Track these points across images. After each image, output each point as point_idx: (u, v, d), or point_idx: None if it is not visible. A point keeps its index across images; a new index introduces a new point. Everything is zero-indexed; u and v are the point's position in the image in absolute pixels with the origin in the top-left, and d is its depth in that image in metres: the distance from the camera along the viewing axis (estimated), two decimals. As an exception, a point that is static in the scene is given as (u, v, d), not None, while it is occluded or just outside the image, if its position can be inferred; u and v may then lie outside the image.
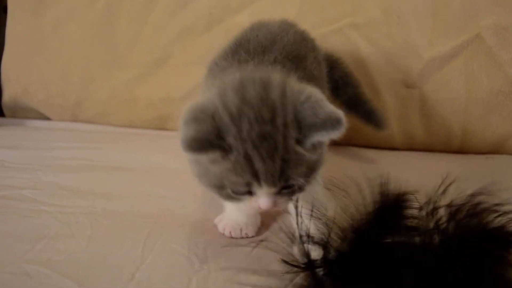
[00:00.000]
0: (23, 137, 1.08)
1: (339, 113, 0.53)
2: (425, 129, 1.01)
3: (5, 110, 1.19)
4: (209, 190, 0.60)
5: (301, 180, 0.56)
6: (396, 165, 0.94)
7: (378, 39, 1.00)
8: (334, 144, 1.02)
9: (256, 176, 0.54)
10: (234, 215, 0.71)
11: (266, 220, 0.74)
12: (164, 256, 0.66)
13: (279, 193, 0.57)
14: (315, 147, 0.56)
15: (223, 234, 0.71)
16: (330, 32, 1.01)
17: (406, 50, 0.99)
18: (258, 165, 0.53)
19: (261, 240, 0.69)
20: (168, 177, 0.89)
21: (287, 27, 0.77)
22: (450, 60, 0.98)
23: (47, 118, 1.18)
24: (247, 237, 0.71)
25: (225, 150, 0.53)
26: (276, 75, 0.57)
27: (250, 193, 0.57)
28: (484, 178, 0.83)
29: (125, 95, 1.10)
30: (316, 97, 0.55)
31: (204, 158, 0.55)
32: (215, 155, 0.54)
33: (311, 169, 0.57)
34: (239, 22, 1.02)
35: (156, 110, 1.07)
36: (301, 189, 0.58)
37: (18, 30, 1.15)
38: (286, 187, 0.57)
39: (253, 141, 0.53)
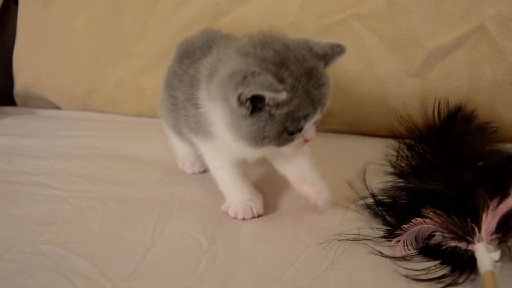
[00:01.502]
0: (35, 126, 1.10)
1: (339, 42, 0.69)
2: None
3: (16, 99, 1.22)
4: (262, 144, 0.65)
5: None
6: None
7: (382, 29, 1.01)
8: (338, 132, 1.06)
9: (313, 104, 0.64)
10: (238, 198, 0.75)
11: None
12: (174, 238, 0.69)
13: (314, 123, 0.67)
14: None
15: (236, 218, 0.74)
16: (334, 22, 1.02)
17: (409, 40, 1.00)
18: (315, 93, 0.64)
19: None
20: (176, 166, 0.92)
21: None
22: (453, 50, 0.99)
23: (57, 107, 1.20)
24: (258, 216, 0.74)
25: (290, 90, 0.61)
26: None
27: (301, 131, 0.66)
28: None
29: (133, 85, 1.12)
30: (308, 38, 0.69)
31: (277, 98, 0.60)
32: (284, 93, 0.60)
33: None
34: (245, 14, 1.04)
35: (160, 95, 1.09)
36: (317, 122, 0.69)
37: (28, 21, 1.17)
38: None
39: (304, 78, 0.63)
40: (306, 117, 0.64)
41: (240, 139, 0.65)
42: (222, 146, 0.71)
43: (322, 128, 1.06)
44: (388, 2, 1.01)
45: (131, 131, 1.08)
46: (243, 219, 0.74)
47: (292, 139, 0.66)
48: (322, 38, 0.99)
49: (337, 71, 1.03)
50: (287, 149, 0.67)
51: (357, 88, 1.03)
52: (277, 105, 0.62)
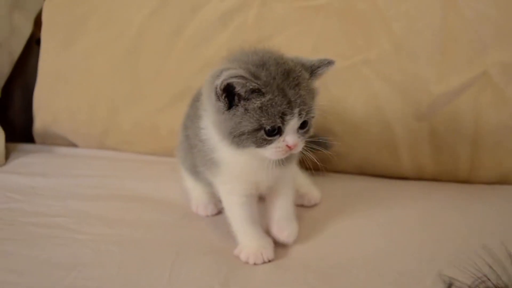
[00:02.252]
0: (53, 165, 1.14)
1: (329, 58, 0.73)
2: (434, 160, 1.06)
3: (35, 137, 1.26)
4: (238, 142, 0.69)
5: (312, 114, 0.70)
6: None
7: (390, 74, 1.05)
8: (346, 172, 1.09)
9: (289, 104, 0.67)
10: (250, 242, 0.78)
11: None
12: (189, 283, 0.72)
13: (297, 132, 0.69)
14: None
15: (247, 263, 0.77)
16: (343, 68, 1.06)
17: (416, 85, 1.04)
18: (290, 92, 0.67)
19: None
20: (190, 208, 0.94)
21: None
22: (458, 94, 1.02)
23: (74, 145, 1.24)
24: (269, 261, 0.77)
25: (264, 85, 0.66)
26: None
27: (279, 133, 0.68)
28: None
29: (148, 125, 1.16)
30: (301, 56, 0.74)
31: (246, 87, 0.66)
32: (256, 88, 0.66)
33: (314, 109, 0.71)
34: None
35: (177, 139, 1.13)
36: (308, 132, 0.72)
37: (49, 61, 1.22)
38: (301, 127, 0.70)
39: (281, 76, 0.68)
40: (282, 116, 0.67)
41: (223, 138, 0.71)
42: (228, 172, 0.76)
43: (331, 169, 1.10)
44: (396, 48, 1.05)
45: (146, 170, 1.11)
46: (254, 264, 0.77)
47: (271, 141, 0.68)
48: (332, 82, 1.06)
49: (346, 114, 1.07)
50: (267, 152, 0.69)
51: (365, 131, 1.06)
52: (250, 99, 0.67)
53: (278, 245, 0.81)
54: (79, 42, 1.18)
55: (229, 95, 0.68)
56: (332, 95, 1.06)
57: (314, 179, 1.00)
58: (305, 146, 0.96)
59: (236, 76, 0.65)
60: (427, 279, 0.71)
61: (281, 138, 0.69)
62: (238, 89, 0.66)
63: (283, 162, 0.74)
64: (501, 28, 1.02)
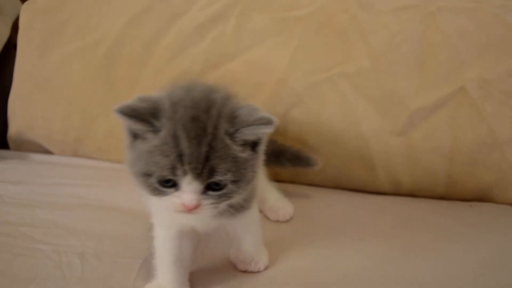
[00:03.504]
0: (25, 172, 1.12)
1: (273, 116, 0.59)
2: (411, 175, 1.04)
3: (10, 143, 1.24)
4: (137, 181, 0.61)
5: (227, 177, 0.57)
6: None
7: (367, 88, 1.04)
8: (322, 186, 1.08)
9: (180, 158, 0.56)
10: (162, 280, 0.71)
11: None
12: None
13: (205, 192, 0.58)
14: (246, 146, 0.60)
15: None
16: (321, 80, 1.05)
17: (393, 100, 1.03)
18: (184, 145, 0.57)
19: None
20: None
21: None
22: (435, 110, 1.01)
23: (50, 152, 1.22)
24: None
25: (155, 127, 0.58)
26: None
27: (175, 186, 0.58)
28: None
29: (122, 133, 1.14)
30: (255, 106, 0.61)
31: (134, 126, 0.59)
32: (144, 128, 0.58)
33: (240, 172, 0.59)
34: (233, 69, 1.07)
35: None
36: (228, 196, 0.60)
37: (25, 67, 1.20)
38: (212, 188, 0.58)
39: (184, 123, 0.57)
40: (172, 169, 0.57)
41: (129, 172, 0.63)
42: (157, 211, 0.70)
43: (306, 182, 1.09)
44: (374, 61, 1.04)
45: (119, 179, 1.08)
46: None
47: (164, 193, 0.59)
48: (309, 95, 1.05)
49: (323, 127, 1.06)
50: (163, 203, 0.61)
51: (342, 145, 1.05)
52: (143, 137, 0.59)
53: None
54: (56, 49, 1.17)
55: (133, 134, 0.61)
56: (308, 107, 1.05)
57: (289, 192, 0.99)
58: (285, 161, 0.93)
59: (120, 110, 0.58)
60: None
61: (177, 193, 0.59)
62: (131, 125, 0.59)
63: (231, 213, 0.65)
64: (480, 43, 1.01)
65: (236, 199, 0.62)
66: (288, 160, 1.00)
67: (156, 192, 0.60)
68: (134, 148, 0.61)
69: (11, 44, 1.27)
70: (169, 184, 0.58)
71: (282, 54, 1.08)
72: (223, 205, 0.61)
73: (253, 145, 0.61)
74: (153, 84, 1.12)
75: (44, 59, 1.17)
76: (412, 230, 0.91)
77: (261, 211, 0.95)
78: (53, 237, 0.86)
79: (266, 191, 0.95)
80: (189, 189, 0.58)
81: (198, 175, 0.57)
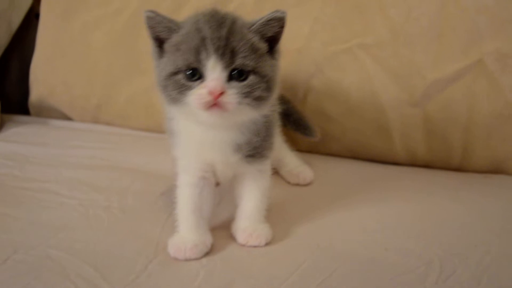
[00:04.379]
0: (46, 135, 1.14)
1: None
2: (427, 146, 1.06)
3: (31, 109, 1.26)
4: (165, 90, 0.66)
5: (247, 63, 0.63)
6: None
7: (385, 59, 1.05)
8: (340, 156, 1.09)
9: (203, 40, 0.62)
10: (186, 233, 0.72)
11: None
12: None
13: (229, 82, 0.63)
14: (262, 40, 0.66)
15: (169, 253, 0.71)
16: (340, 51, 1.06)
17: (411, 71, 1.04)
18: (206, 30, 0.63)
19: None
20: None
21: None
22: (453, 82, 1.03)
23: (69, 119, 1.24)
24: (190, 259, 0.69)
25: (179, 25, 0.65)
26: None
27: (200, 79, 0.63)
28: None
29: (144, 101, 1.16)
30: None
31: (161, 25, 0.66)
32: (170, 25, 0.65)
33: (260, 64, 0.64)
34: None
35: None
36: (251, 89, 0.63)
37: (47, 34, 1.22)
38: (236, 78, 0.63)
39: (204, 18, 0.65)
40: (197, 55, 0.62)
41: (158, 90, 0.68)
42: (182, 143, 0.72)
43: (324, 151, 1.11)
44: (393, 33, 1.05)
45: (139, 145, 1.12)
46: (175, 258, 0.70)
47: (190, 87, 0.63)
48: (328, 65, 1.06)
49: (341, 97, 1.07)
50: (190, 100, 0.63)
51: (359, 114, 1.06)
52: (169, 38, 0.65)
53: (279, 226, 0.77)
54: (78, 16, 1.19)
55: (160, 45, 0.67)
56: (326, 77, 1.07)
57: (307, 161, 1.01)
58: (290, 123, 0.93)
59: (149, 11, 0.65)
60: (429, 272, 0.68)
61: (203, 84, 0.63)
62: (157, 28, 0.66)
63: (247, 156, 0.69)
64: (497, 17, 1.02)
65: (258, 98, 0.65)
66: (291, 123, 1.01)
67: (184, 88, 0.63)
68: (161, 60, 0.67)
69: (33, 13, 1.29)
70: (195, 77, 0.63)
71: (302, 25, 1.09)
72: (246, 101, 0.64)
73: (271, 43, 0.67)
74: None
75: (67, 25, 1.19)
76: (429, 194, 0.92)
77: (281, 175, 0.98)
78: (78, 192, 0.89)
79: (286, 155, 0.97)
80: (213, 76, 0.62)
81: (221, 56, 0.62)
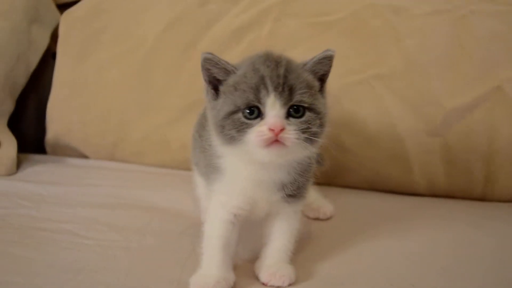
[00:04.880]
0: (63, 174, 1.14)
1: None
2: (447, 176, 1.04)
3: (47, 148, 1.26)
4: (222, 130, 0.66)
5: (305, 99, 0.65)
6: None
7: (401, 89, 1.05)
8: (358, 188, 1.07)
9: (263, 79, 0.64)
10: (209, 270, 0.71)
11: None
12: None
13: (287, 118, 0.64)
14: (314, 78, 0.68)
15: None
16: (355, 82, 1.06)
17: (428, 100, 1.04)
18: (264, 70, 0.65)
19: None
20: (198, 217, 0.93)
21: None
22: (471, 110, 1.02)
23: (85, 157, 1.24)
24: None
25: (235, 68, 0.67)
26: None
27: (260, 117, 0.64)
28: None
29: (159, 137, 1.16)
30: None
31: (218, 67, 0.67)
32: (227, 68, 0.67)
33: (315, 101, 0.66)
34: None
35: (187, 152, 1.12)
36: (308, 125, 0.65)
37: (64, 74, 1.24)
38: (293, 115, 0.65)
39: (260, 60, 0.67)
40: (256, 93, 0.64)
41: (213, 130, 0.69)
42: (228, 180, 0.71)
43: (341, 183, 1.09)
44: (407, 63, 1.06)
45: (155, 181, 1.11)
46: None
47: (250, 125, 0.64)
48: (344, 97, 1.06)
49: (358, 128, 1.06)
50: (250, 138, 0.64)
51: (377, 145, 1.05)
52: (226, 80, 0.67)
53: (301, 264, 0.76)
54: (93, 55, 1.21)
55: (215, 87, 0.68)
56: (344, 109, 1.06)
57: (324, 193, 0.99)
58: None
59: (207, 53, 0.66)
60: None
61: (263, 122, 0.64)
62: (213, 70, 0.67)
63: (288, 195, 0.70)
64: (512, 44, 1.02)
65: (314, 134, 0.66)
66: None
67: (243, 127, 0.65)
68: (217, 101, 0.68)
69: (50, 54, 1.31)
70: (254, 115, 0.64)
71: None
72: (303, 138, 0.65)
73: (320, 81, 0.69)
74: (189, 88, 1.14)
75: (82, 65, 1.21)
76: (452, 225, 0.90)
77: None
78: (96, 233, 0.87)
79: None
80: (273, 113, 0.64)
81: (280, 94, 0.64)
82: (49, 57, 1.31)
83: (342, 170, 1.07)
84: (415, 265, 0.77)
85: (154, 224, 0.91)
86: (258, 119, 0.65)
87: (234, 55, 1.12)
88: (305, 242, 0.83)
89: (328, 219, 0.94)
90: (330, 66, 0.70)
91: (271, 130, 0.63)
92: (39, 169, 1.15)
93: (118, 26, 1.20)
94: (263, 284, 0.71)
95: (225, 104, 0.66)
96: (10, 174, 1.12)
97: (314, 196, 0.96)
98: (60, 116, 1.23)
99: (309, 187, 0.75)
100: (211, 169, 0.74)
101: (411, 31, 1.07)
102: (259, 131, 0.64)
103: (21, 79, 1.23)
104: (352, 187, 1.09)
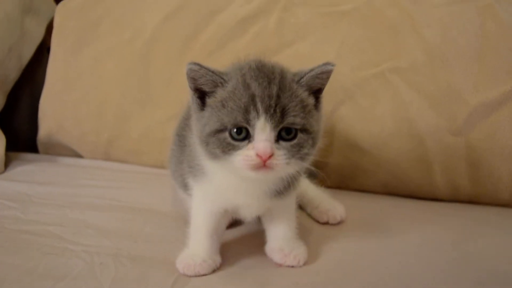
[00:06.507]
0: (54, 173, 1.07)
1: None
2: (471, 179, 0.95)
3: (39, 146, 1.20)
4: (207, 147, 0.61)
5: (297, 121, 0.59)
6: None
7: (421, 83, 0.96)
8: (372, 192, 0.99)
9: (253, 98, 0.59)
10: (195, 250, 0.70)
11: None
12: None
13: (277, 142, 0.59)
14: (310, 94, 0.63)
15: (178, 269, 0.69)
16: (370, 76, 0.98)
17: (451, 96, 0.95)
18: (255, 87, 0.59)
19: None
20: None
21: None
22: (498, 107, 0.93)
23: (79, 156, 1.17)
24: (199, 275, 0.68)
25: (224, 79, 0.61)
26: None
27: (247, 139, 0.59)
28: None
29: (158, 134, 1.08)
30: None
31: (204, 78, 0.62)
32: (214, 79, 0.61)
33: (308, 119, 0.61)
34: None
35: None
36: (299, 147, 0.60)
37: (57, 68, 1.17)
38: (284, 138, 0.60)
39: (251, 72, 0.61)
40: (245, 114, 0.58)
41: (197, 140, 0.64)
42: (213, 185, 0.68)
43: (355, 187, 1.00)
44: (428, 56, 0.97)
45: (152, 183, 1.03)
46: (184, 274, 0.68)
47: (236, 147, 0.59)
48: (358, 91, 0.98)
49: (374, 127, 0.97)
50: (236, 160, 0.60)
51: (395, 145, 0.96)
52: (214, 93, 0.61)
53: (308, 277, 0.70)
54: (89, 47, 1.14)
55: (201, 96, 0.63)
56: (358, 104, 0.98)
57: (336, 197, 0.90)
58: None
59: (193, 63, 0.61)
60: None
61: (250, 145, 0.59)
62: (199, 81, 0.62)
63: (278, 193, 0.67)
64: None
65: (305, 155, 0.61)
66: None
67: (229, 148, 0.59)
68: (203, 113, 0.62)
69: (44, 47, 1.24)
70: (241, 136, 0.59)
71: (327, 49, 1.01)
72: (294, 160, 0.60)
73: (315, 95, 0.64)
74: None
75: (77, 57, 1.14)
76: (476, 234, 0.81)
77: (308, 214, 0.88)
78: (84, 237, 0.79)
79: (308, 190, 0.88)
80: (263, 137, 0.58)
81: (271, 117, 0.58)
82: (44, 51, 1.24)
83: (355, 171, 0.98)
84: (436, 280, 0.68)
85: (148, 229, 0.83)
86: (246, 141, 0.59)
87: (239, 47, 1.05)
88: (313, 248, 0.75)
89: (339, 223, 0.85)
90: (327, 79, 0.65)
91: (259, 156, 0.58)
92: (29, 168, 1.09)
93: (115, 16, 1.13)
94: (278, 265, 0.71)
95: (211, 119, 0.61)
96: (-3, 172, 1.05)
97: (321, 198, 0.87)
98: (52, 112, 1.15)
99: (300, 180, 0.71)
100: (195, 169, 0.70)
101: (430, 21, 0.98)
102: (246, 155, 0.59)
103: (13, 72, 1.16)
104: (366, 191, 1.00)
